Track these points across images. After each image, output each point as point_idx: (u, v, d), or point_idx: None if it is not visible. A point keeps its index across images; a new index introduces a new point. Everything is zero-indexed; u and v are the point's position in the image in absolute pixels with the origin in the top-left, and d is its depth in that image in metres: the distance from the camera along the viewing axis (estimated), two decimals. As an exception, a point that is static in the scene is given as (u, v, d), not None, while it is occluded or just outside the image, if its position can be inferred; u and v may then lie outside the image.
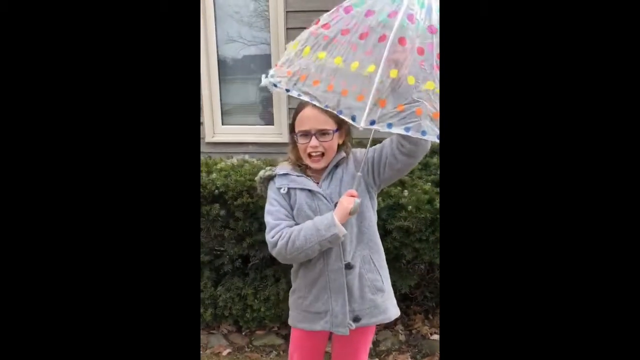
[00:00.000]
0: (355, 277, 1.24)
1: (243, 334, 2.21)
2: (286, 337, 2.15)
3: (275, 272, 2.07)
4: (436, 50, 0.97)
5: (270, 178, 1.27)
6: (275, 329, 2.20)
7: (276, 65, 1.15)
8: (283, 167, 1.27)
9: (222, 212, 1.91)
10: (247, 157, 2.18)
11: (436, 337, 2.14)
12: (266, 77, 1.11)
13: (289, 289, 2.01)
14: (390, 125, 0.98)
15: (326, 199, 1.20)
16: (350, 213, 1.12)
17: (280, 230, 1.18)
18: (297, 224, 1.21)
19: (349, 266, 1.22)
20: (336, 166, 1.24)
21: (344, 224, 1.14)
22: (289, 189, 1.22)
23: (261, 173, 1.29)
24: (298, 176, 1.23)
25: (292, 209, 1.23)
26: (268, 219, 1.22)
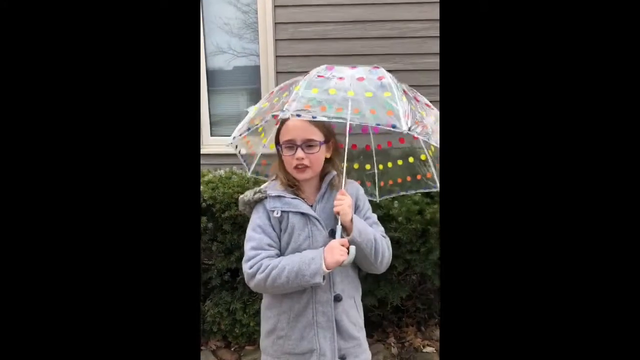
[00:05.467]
0: (343, 311, 1.17)
1: (232, 349, 2.16)
2: (276, 352, 2.11)
3: (264, 286, 2.04)
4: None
5: (259, 200, 1.18)
6: (265, 344, 2.15)
7: (279, 104, 1.16)
8: (275, 188, 1.19)
9: (210, 225, 1.88)
10: (235, 168, 2.16)
11: (429, 349, 2.11)
12: (285, 112, 1.08)
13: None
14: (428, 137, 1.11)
15: (320, 223, 1.15)
16: (343, 265, 1.08)
17: (259, 261, 1.10)
18: (280, 252, 1.14)
19: (338, 298, 1.16)
20: (330, 187, 1.20)
21: None
22: (282, 212, 1.15)
23: (249, 195, 1.19)
24: (292, 198, 1.16)
25: (283, 232, 1.15)
26: (247, 246, 1.13)
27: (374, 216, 1.26)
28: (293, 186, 1.19)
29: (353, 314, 1.21)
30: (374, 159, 1.53)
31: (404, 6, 2.51)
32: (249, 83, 2.78)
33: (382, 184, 1.54)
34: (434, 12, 2.50)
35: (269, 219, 1.15)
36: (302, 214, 1.15)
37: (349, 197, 1.13)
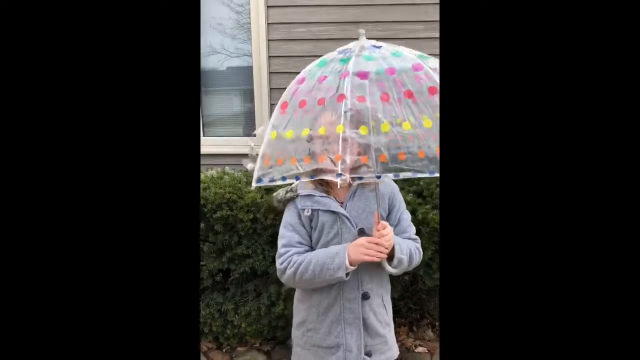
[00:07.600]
0: (370, 309, 1.20)
1: (224, 350, 2.15)
2: (268, 354, 2.10)
3: (256, 287, 2.03)
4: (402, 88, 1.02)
5: (291, 199, 1.22)
6: (257, 345, 2.14)
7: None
8: (305, 188, 1.21)
9: (201, 226, 1.87)
10: (227, 168, 2.15)
11: (421, 349, 2.11)
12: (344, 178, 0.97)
13: (271, 304, 1.99)
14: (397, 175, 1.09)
15: (350, 221, 1.16)
16: (385, 266, 1.11)
17: (289, 257, 1.14)
18: (310, 249, 1.18)
19: (365, 296, 1.18)
20: (361, 184, 1.19)
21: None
22: (312, 210, 1.17)
23: (281, 194, 1.23)
24: (322, 197, 1.18)
25: (313, 229, 1.18)
26: (279, 243, 1.18)
27: (408, 217, 1.26)
28: (323, 184, 1.20)
29: (380, 312, 1.23)
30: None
31: (398, 7, 2.52)
32: (242, 84, 2.77)
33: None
34: (428, 13, 2.51)
35: (300, 217, 1.18)
36: (332, 212, 1.16)
37: (390, 228, 1.11)
